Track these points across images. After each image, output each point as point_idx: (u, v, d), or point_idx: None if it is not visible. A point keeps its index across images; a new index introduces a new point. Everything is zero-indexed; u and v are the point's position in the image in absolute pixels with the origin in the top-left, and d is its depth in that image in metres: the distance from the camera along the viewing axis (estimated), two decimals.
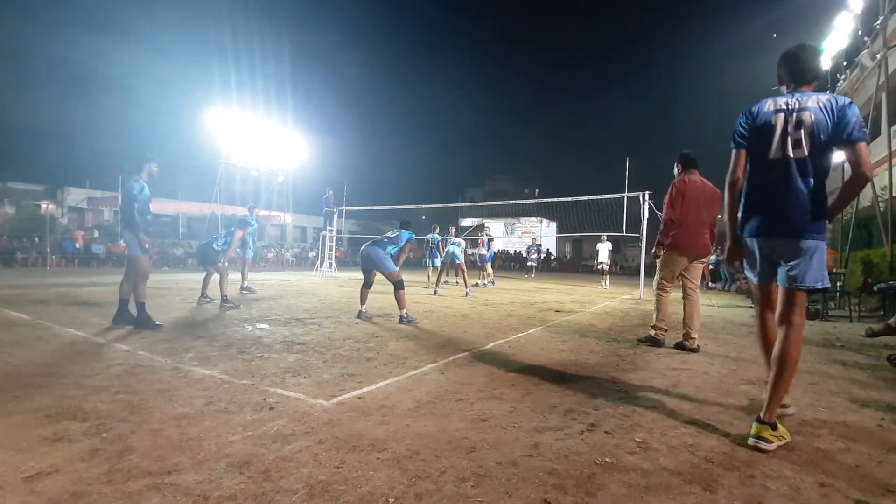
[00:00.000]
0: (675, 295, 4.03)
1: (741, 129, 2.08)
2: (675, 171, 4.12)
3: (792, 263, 1.92)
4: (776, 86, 2.18)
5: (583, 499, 1.40)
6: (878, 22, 10.35)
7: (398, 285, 4.95)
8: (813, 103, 1.92)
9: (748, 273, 2.17)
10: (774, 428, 1.84)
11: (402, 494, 1.40)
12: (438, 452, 1.70)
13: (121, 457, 1.59)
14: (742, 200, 2.10)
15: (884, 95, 10.15)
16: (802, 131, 1.90)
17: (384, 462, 1.61)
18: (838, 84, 13.86)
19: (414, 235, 5.48)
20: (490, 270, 12.35)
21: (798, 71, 2.04)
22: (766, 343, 2.12)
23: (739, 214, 2.11)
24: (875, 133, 10.67)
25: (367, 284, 5.23)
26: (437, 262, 10.07)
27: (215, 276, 6.16)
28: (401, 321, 4.85)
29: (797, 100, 1.96)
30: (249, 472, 1.50)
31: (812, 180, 1.90)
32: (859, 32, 11.71)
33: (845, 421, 2.17)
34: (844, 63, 13.46)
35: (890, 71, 9.42)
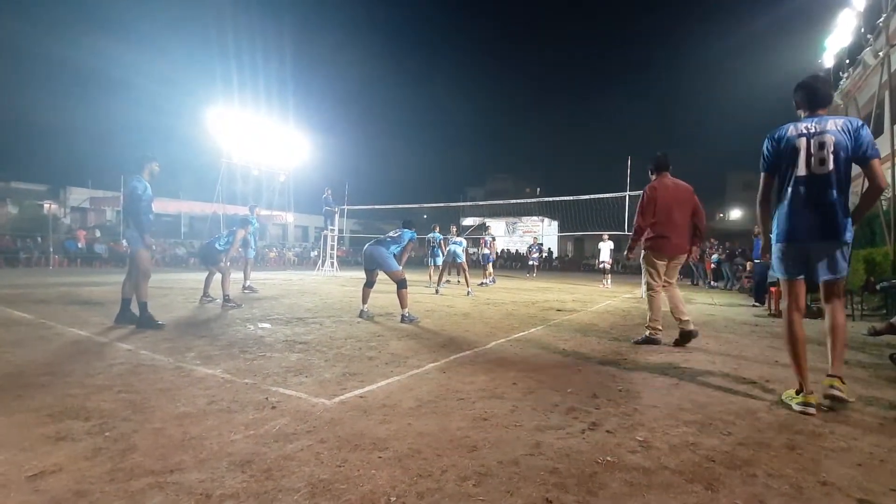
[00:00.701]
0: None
1: (767, 153, 2.38)
2: (649, 173, 4.17)
3: (823, 261, 2.26)
4: (793, 104, 2.47)
5: (584, 497, 1.40)
6: (881, 19, 10.30)
7: (401, 284, 4.95)
8: (832, 126, 2.22)
9: (779, 271, 2.44)
10: (842, 382, 2.25)
11: (403, 493, 1.40)
12: (440, 451, 1.70)
13: (123, 456, 1.60)
14: (778, 212, 2.39)
15: (887, 93, 10.11)
16: (825, 151, 2.20)
17: (386, 461, 1.61)
18: (841, 82, 13.78)
19: (416, 235, 5.48)
20: (491, 269, 12.37)
21: (813, 98, 2.34)
22: (792, 333, 2.34)
23: (775, 224, 2.41)
24: (878, 131, 10.61)
25: (368, 284, 5.23)
26: (439, 261, 10.07)
27: (217, 276, 6.18)
28: (402, 320, 4.85)
29: (816, 124, 2.26)
30: (251, 471, 1.51)
31: (835, 192, 2.19)
32: (862, 30, 11.66)
33: (847, 419, 2.16)
34: (847, 61, 13.39)
35: (893, 69, 9.37)
